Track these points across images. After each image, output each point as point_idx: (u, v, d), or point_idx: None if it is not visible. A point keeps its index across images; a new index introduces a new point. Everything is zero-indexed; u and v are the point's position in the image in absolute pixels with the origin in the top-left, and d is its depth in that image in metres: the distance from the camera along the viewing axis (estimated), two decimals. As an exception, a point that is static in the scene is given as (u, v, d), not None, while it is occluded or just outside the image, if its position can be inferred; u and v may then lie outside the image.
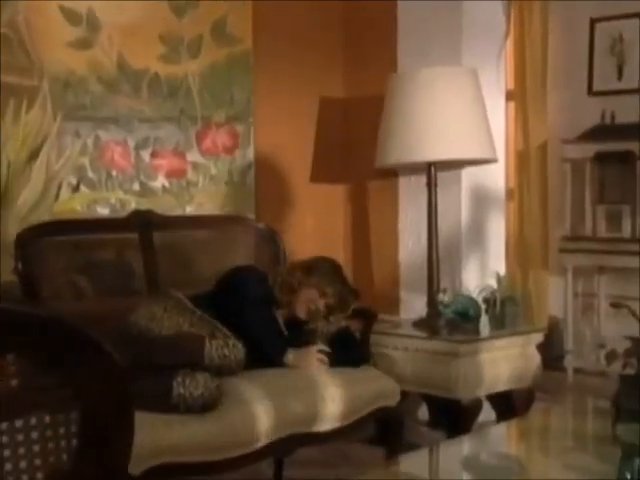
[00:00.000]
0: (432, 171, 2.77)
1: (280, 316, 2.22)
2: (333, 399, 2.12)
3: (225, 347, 1.95)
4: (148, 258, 2.28)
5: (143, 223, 2.33)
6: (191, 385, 1.81)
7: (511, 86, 3.10)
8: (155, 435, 1.76)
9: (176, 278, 2.32)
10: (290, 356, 2.15)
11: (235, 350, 1.97)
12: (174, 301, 2.09)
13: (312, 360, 2.15)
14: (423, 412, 2.84)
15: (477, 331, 2.64)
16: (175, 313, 2.04)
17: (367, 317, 2.37)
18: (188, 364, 1.87)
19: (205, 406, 1.81)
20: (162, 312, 2.03)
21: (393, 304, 3.10)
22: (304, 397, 2.07)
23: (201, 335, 1.97)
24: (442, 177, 2.84)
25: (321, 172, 3.25)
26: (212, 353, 1.93)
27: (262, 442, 1.95)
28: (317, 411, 2.07)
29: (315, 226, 3.22)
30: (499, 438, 1.87)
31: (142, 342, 1.94)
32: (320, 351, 2.17)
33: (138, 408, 1.65)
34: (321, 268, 2.26)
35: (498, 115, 3.04)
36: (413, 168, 2.99)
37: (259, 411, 1.98)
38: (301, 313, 2.23)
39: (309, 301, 2.23)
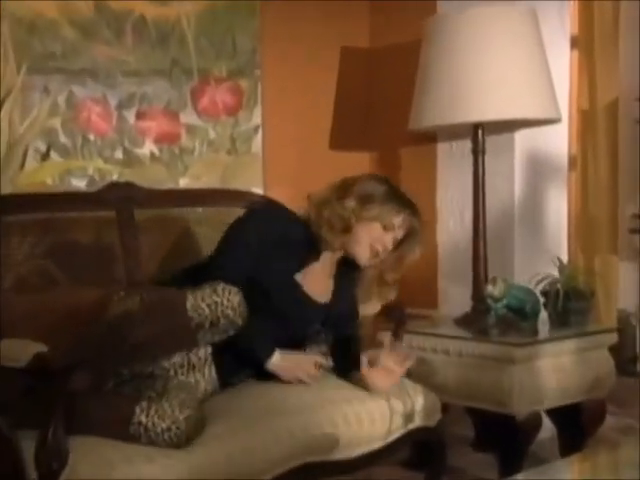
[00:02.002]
0: (479, 134, 2.66)
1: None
2: (357, 419, 1.99)
3: (213, 294, 1.76)
4: (128, 241, 2.16)
5: (121, 198, 2.22)
6: (156, 415, 1.69)
7: (576, 31, 3.00)
8: (110, 470, 1.62)
9: (163, 265, 2.21)
10: (275, 359, 1.95)
11: (227, 293, 1.78)
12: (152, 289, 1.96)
13: (298, 372, 1.96)
14: (467, 427, 2.72)
15: (535, 331, 2.52)
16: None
17: (396, 319, 2.27)
18: (172, 332, 1.76)
19: (170, 444, 1.69)
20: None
21: (430, 297, 3.04)
22: (319, 417, 1.93)
23: (180, 291, 1.80)
24: (491, 142, 2.73)
25: (342, 138, 3.22)
26: (198, 304, 1.76)
27: (266, 477, 1.81)
28: (337, 434, 1.94)
29: None
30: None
31: (115, 331, 1.78)
32: (317, 364, 1.99)
33: (95, 433, 1.67)
34: (377, 192, 2.04)
35: (560, 66, 2.91)
36: (455, 131, 2.91)
37: (257, 438, 1.81)
38: (363, 257, 2.02)
39: (374, 240, 2.01)
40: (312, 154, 3.12)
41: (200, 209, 2.40)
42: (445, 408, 2.28)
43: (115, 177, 2.68)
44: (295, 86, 3.07)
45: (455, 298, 2.92)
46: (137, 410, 1.70)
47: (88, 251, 2.15)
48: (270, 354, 1.96)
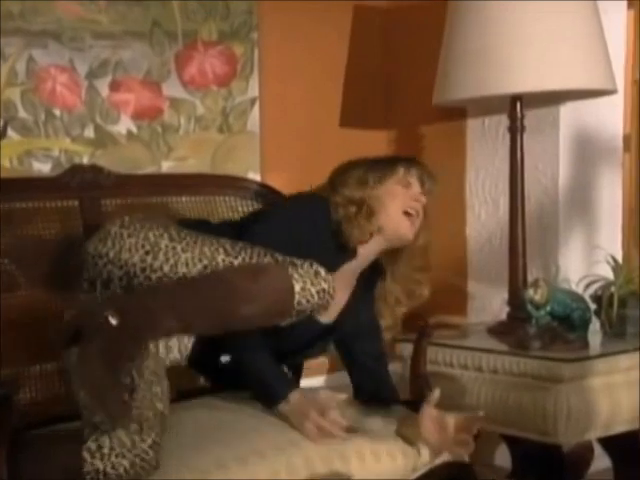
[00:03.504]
0: (518, 109, 2.62)
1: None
2: (374, 453, 1.91)
3: (321, 279, 1.75)
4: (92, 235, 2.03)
5: (85, 184, 2.16)
6: (112, 453, 1.60)
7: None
8: None
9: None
10: (289, 404, 1.85)
11: (331, 281, 1.77)
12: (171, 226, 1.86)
13: (313, 432, 1.84)
14: (503, 458, 2.69)
15: (585, 344, 2.49)
16: (186, 242, 1.79)
17: (418, 331, 2.23)
18: (269, 315, 1.71)
19: (139, 477, 1.62)
20: (162, 241, 1.79)
21: (458, 301, 3.01)
22: (326, 450, 1.85)
23: (279, 264, 1.75)
24: (532, 118, 2.71)
25: (355, 113, 3.18)
26: (308, 289, 1.73)
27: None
28: (348, 471, 1.87)
29: None
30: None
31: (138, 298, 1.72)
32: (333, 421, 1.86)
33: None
34: (370, 164, 2.10)
35: (615, 28, 2.85)
36: (489, 105, 2.87)
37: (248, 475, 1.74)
38: (404, 228, 2.01)
39: (403, 204, 2.02)
40: (319, 132, 3.09)
41: (185, 198, 2.33)
42: (477, 435, 2.16)
43: (85, 159, 2.61)
44: (299, 52, 3.03)
45: (488, 303, 2.92)
46: (85, 454, 1.59)
47: (50, 247, 2.08)
48: (288, 391, 1.86)
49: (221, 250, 1.76)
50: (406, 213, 2.01)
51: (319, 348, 2.07)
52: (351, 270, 2.03)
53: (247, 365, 1.87)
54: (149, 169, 2.72)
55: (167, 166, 2.77)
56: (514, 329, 2.53)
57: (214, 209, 2.34)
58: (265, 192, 2.46)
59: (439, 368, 2.46)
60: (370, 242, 2.01)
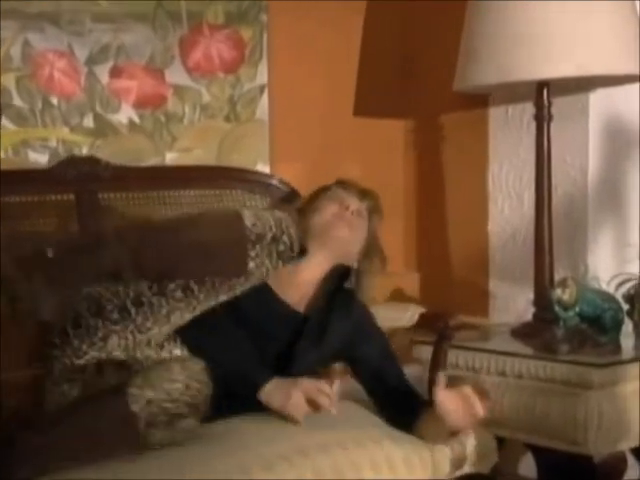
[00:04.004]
0: (545, 96, 2.60)
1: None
2: (389, 463, 1.90)
3: (272, 212, 1.86)
4: (90, 231, 2.11)
5: (82, 177, 2.16)
6: (162, 379, 1.66)
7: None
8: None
9: (137, 263, 2.08)
10: (271, 386, 1.86)
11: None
12: None
13: (300, 403, 1.85)
14: (528, 469, 2.67)
15: (617, 347, 2.48)
16: None
17: (438, 332, 2.25)
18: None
19: (195, 403, 1.70)
20: None
21: (480, 301, 2.99)
22: (337, 459, 1.85)
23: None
24: (560, 106, 2.67)
25: (370, 101, 3.16)
26: (255, 219, 1.85)
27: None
28: None
29: (362, 180, 3.03)
30: None
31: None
32: (319, 390, 1.85)
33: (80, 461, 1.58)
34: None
35: None
36: (514, 92, 2.85)
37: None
38: (334, 228, 2.05)
39: (334, 214, 2.07)
40: (332, 121, 3.08)
41: (190, 192, 2.36)
42: (501, 445, 2.23)
43: (85, 150, 2.61)
44: (311, 35, 3.00)
45: (511, 303, 2.91)
46: (134, 391, 1.63)
47: (42, 244, 2.07)
48: (266, 378, 1.86)
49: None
50: (339, 216, 2.05)
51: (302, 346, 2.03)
52: (303, 278, 2.04)
53: (222, 364, 1.85)
54: (152, 161, 2.72)
55: (171, 157, 2.77)
56: (540, 331, 2.52)
57: (221, 203, 2.34)
58: (275, 185, 2.45)
59: (459, 372, 2.43)
60: (313, 252, 2.04)
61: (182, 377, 1.67)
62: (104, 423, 1.65)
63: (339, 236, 2.05)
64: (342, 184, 2.13)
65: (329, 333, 2.03)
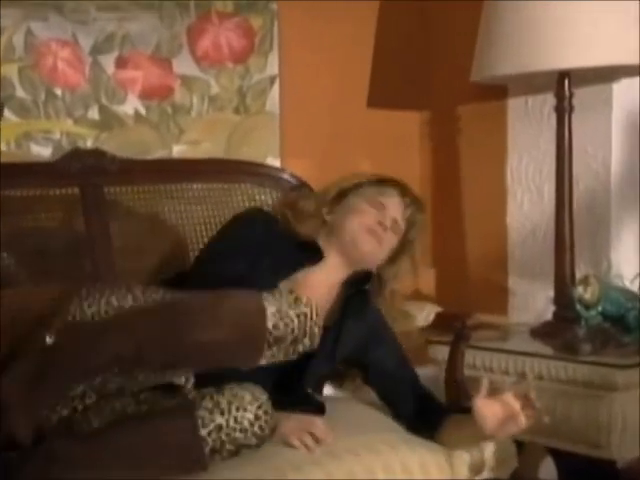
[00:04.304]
0: (566, 86, 2.60)
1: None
2: (404, 469, 1.90)
3: (300, 303, 1.76)
4: (96, 227, 2.13)
5: (87, 171, 2.17)
6: (233, 407, 1.66)
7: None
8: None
9: (144, 261, 2.19)
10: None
11: (314, 306, 1.77)
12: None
13: (298, 434, 1.83)
14: (549, 471, 2.60)
15: None
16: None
17: (455, 332, 2.25)
18: (238, 343, 1.71)
19: (260, 436, 1.69)
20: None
21: (498, 299, 2.99)
22: (350, 465, 1.85)
23: (249, 292, 1.76)
24: (582, 97, 2.67)
25: (384, 92, 3.16)
26: (285, 310, 1.74)
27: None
28: None
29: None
30: None
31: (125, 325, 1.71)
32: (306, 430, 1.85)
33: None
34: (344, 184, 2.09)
35: None
36: (533, 82, 2.85)
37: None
38: (360, 239, 2.01)
39: (366, 219, 2.03)
40: (345, 114, 3.07)
41: (197, 185, 2.37)
42: (521, 449, 2.19)
43: (89, 143, 2.62)
44: (323, 25, 2.99)
45: (531, 302, 2.90)
46: (203, 414, 1.64)
47: (46, 239, 2.12)
48: None
49: None
50: (370, 231, 2.00)
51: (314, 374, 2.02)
52: (320, 281, 2.02)
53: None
54: (158, 153, 2.72)
55: (178, 150, 2.77)
56: (561, 331, 2.52)
57: (229, 198, 2.35)
58: (285, 179, 2.45)
59: (477, 373, 2.41)
60: (333, 255, 2.03)
61: (253, 407, 1.67)
62: (168, 444, 1.65)
63: (366, 251, 2.01)
64: (383, 183, 2.06)
65: (342, 341, 2.01)
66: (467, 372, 2.27)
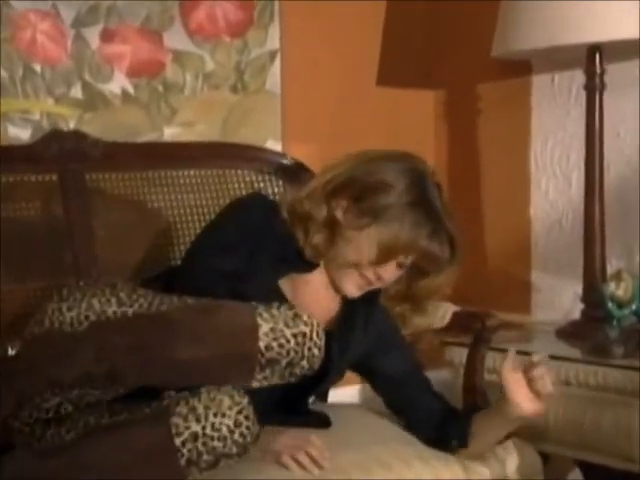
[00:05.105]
0: (597, 62, 2.59)
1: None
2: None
3: (299, 321, 1.74)
4: (76, 217, 2.13)
5: (67, 155, 2.18)
6: (211, 412, 1.63)
7: None
8: None
9: (127, 253, 2.20)
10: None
11: (315, 325, 1.76)
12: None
13: (291, 452, 1.82)
14: None
15: None
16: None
17: (474, 332, 2.26)
18: (225, 364, 1.71)
19: (243, 445, 1.66)
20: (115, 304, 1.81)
21: (521, 297, 3.00)
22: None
23: (243, 304, 1.77)
24: (614, 74, 2.65)
25: (396, 69, 3.16)
26: (280, 329, 1.73)
27: None
28: None
29: None
30: None
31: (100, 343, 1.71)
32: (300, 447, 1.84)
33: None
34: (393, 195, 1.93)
35: None
36: (560, 58, 2.84)
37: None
38: (346, 286, 1.98)
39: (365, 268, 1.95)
40: (353, 92, 3.07)
41: (191, 172, 2.38)
42: (546, 461, 2.20)
43: (72, 124, 2.60)
44: None
45: (557, 299, 2.91)
46: (177, 421, 1.61)
47: (22, 230, 2.13)
48: None
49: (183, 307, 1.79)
50: (360, 288, 1.96)
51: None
52: (321, 281, 2.00)
53: None
54: (148, 136, 2.71)
55: (169, 133, 2.76)
56: (590, 331, 2.53)
57: (226, 185, 2.36)
58: (287, 165, 2.46)
59: (498, 378, 2.28)
60: (326, 270, 2.00)
61: (232, 412, 1.64)
62: (140, 455, 1.63)
63: (349, 294, 1.97)
64: (415, 215, 1.91)
65: (350, 350, 2.00)
66: (487, 377, 2.27)
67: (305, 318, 1.74)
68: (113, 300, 1.76)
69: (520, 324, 2.73)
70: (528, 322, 2.86)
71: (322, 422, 1.94)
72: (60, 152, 2.17)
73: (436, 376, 2.17)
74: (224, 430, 1.63)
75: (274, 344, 1.69)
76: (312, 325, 1.74)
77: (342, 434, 1.94)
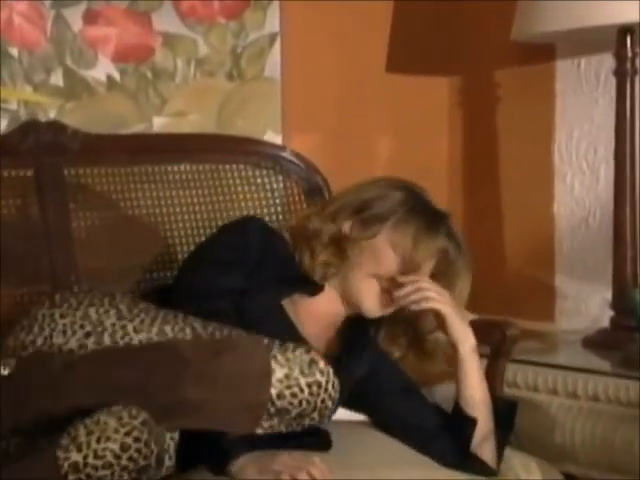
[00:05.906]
0: (628, 45, 2.57)
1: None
2: None
3: (315, 368, 1.77)
4: (53, 216, 2.15)
5: (43, 148, 2.21)
6: (93, 438, 1.62)
7: None
8: None
9: (110, 257, 2.22)
10: (240, 462, 1.81)
11: (330, 374, 1.78)
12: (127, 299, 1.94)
13: (292, 471, 1.81)
14: None
15: None
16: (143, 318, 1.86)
17: (493, 343, 2.27)
18: (232, 408, 1.73)
19: (136, 469, 1.65)
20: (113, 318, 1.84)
21: (544, 303, 2.98)
22: None
23: (256, 341, 1.80)
24: None
25: (407, 54, 3.15)
26: (295, 377, 1.76)
27: None
28: None
29: (396, 153, 3.16)
30: None
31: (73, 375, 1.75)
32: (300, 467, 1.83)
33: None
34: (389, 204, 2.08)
35: None
36: (587, 41, 2.84)
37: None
38: (369, 305, 2.05)
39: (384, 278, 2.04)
40: (359, 79, 3.05)
41: (182, 167, 2.41)
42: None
43: (52, 114, 2.62)
44: None
45: (583, 306, 2.91)
46: (59, 453, 1.61)
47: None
48: (239, 452, 1.81)
49: (188, 330, 1.81)
50: (383, 289, 2.03)
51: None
52: (322, 306, 2.07)
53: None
54: (136, 127, 2.73)
55: (159, 124, 2.77)
56: (620, 341, 2.52)
57: (221, 181, 2.38)
58: (288, 158, 2.48)
59: (519, 392, 2.40)
60: (334, 292, 2.07)
61: (119, 435, 1.62)
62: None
63: (371, 314, 2.04)
64: (425, 217, 2.03)
65: (354, 376, 2.03)
66: (507, 391, 2.29)
67: (322, 366, 1.76)
68: (112, 312, 1.79)
69: (543, 333, 2.76)
70: (552, 331, 2.86)
71: (322, 443, 1.94)
72: (36, 145, 2.18)
73: (451, 389, 2.16)
74: (109, 457, 1.62)
75: (287, 392, 1.72)
76: (328, 375, 1.77)
77: (347, 454, 1.94)
